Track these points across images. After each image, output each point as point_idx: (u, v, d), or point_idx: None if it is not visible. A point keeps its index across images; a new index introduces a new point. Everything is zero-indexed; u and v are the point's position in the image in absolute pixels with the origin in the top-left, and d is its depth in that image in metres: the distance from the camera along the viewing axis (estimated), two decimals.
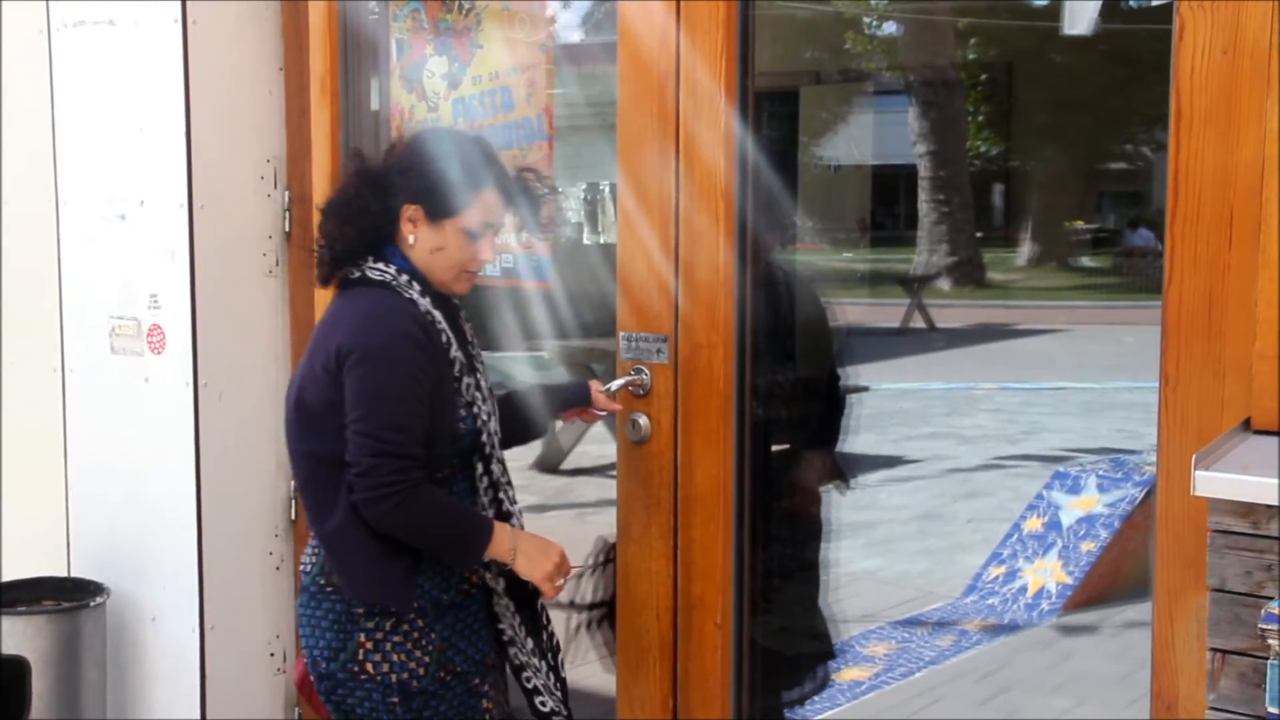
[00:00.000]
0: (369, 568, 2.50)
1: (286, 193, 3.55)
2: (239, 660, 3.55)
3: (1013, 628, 5.26)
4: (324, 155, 3.48)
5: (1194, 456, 2.00)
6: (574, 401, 2.90)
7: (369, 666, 2.51)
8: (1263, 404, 2.17)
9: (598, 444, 7.30)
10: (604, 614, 3.10)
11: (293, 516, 3.61)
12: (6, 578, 3.57)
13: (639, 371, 2.95)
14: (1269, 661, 1.81)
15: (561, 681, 2.72)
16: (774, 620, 3.50)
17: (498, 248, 3.08)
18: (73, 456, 3.67)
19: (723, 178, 2.85)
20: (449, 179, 2.55)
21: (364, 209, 2.57)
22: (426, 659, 2.52)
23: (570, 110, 3.54)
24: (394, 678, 2.51)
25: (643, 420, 2.96)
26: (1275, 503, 1.96)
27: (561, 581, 2.60)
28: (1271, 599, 1.86)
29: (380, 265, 2.55)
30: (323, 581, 2.56)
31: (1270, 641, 1.76)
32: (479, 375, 2.63)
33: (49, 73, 3.59)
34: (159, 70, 3.38)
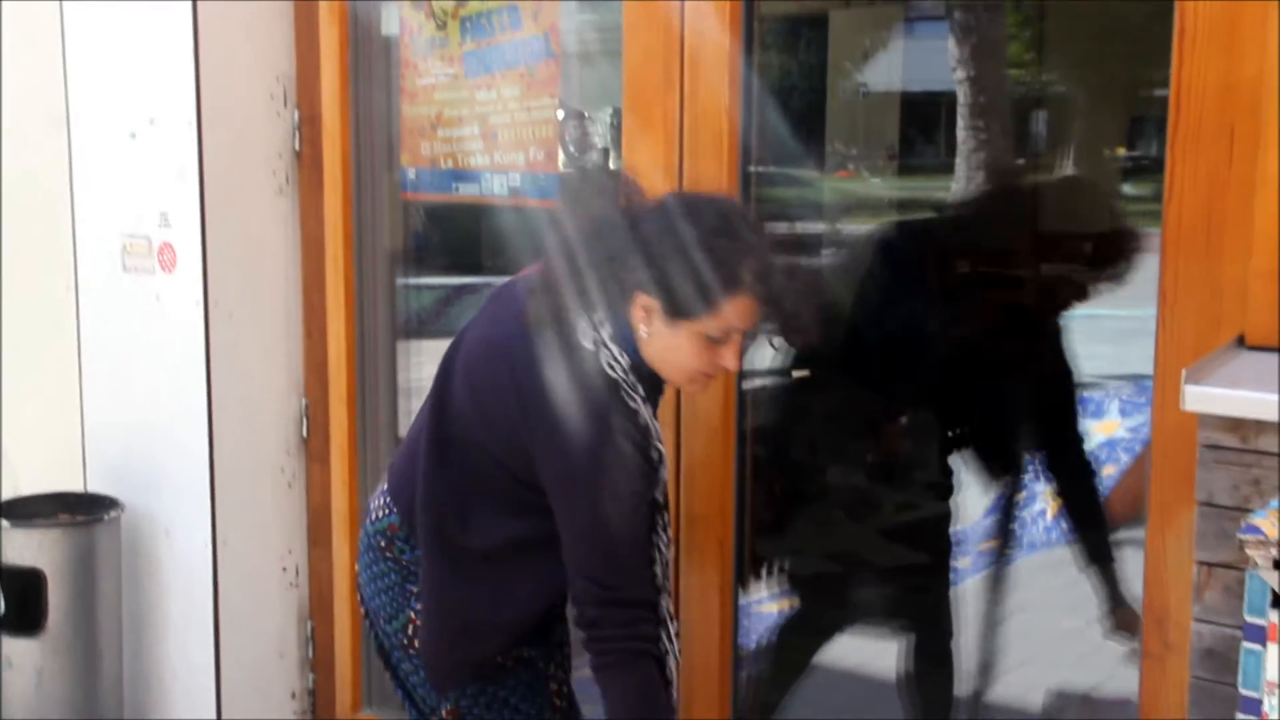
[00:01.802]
0: (445, 633, 2.32)
1: (296, 112, 3.55)
2: (251, 574, 3.60)
3: (1030, 549, 5.26)
4: (333, 76, 3.47)
5: (1184, 371, 2.00)
6: None
7: (418, 643, 2.35)
8: (1257, 320, 2.15)
9: None
10: None
11: (304, 434, 3.65)
12: (24, 492, 3.63)
13: None
14: (1248, 571, 1.81)
15: None
16: (790, 541, 3.54)
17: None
18: (87, 373, 3.71)
19: (726, 95, 2.84)
20: (699, 275, 2.10)
21: (585, 271, 2.19)
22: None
23: (595, 35, 3.52)
24: None
25: None
26: (1264, 417, 1.96)
27: None
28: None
29: (616, 351, 2.17)
30: (383, 544, 2.39)
31: (1249, 552, 1.76)
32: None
33: None
34: None
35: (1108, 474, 5.50)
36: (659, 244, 2.13)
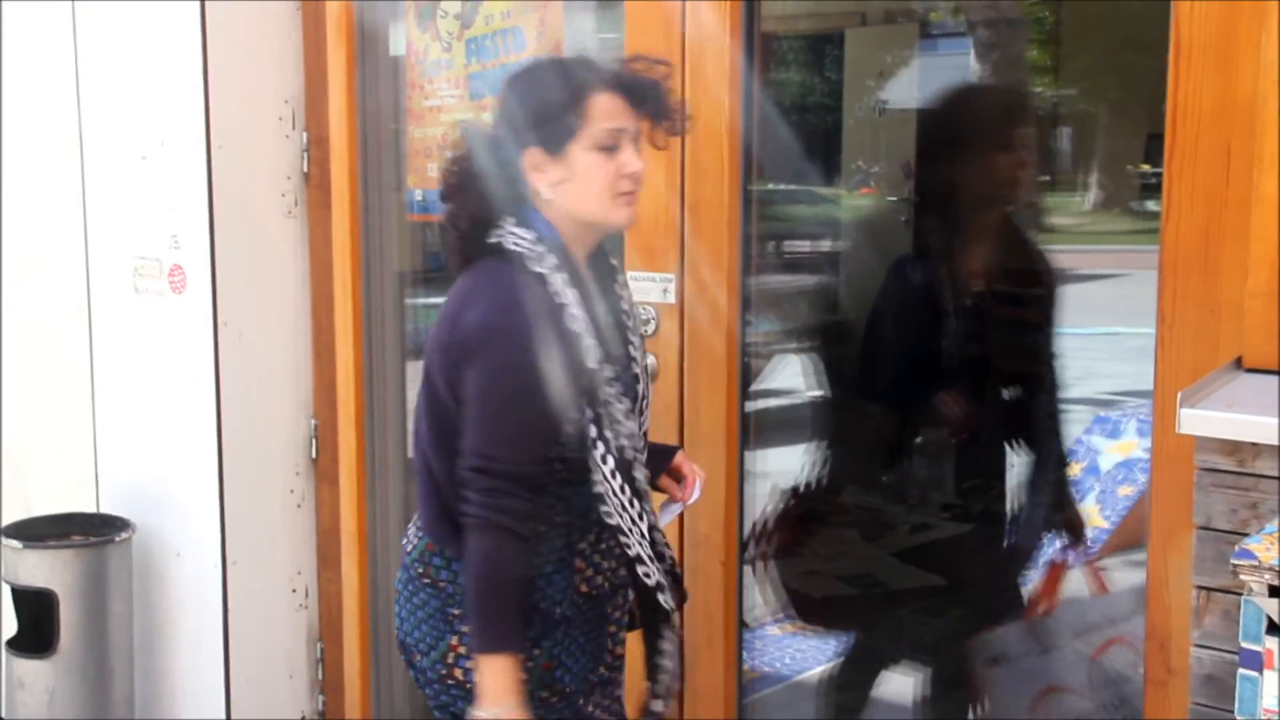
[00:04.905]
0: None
1: (305, 134, 3.56)
2: (261, 595, 3.61)
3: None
4: (340, 96, 3.48)
5: (1180, 394, 1.98)
6: (665, 465, 2.48)
7: (458, 672, 2.26)
8: (1253, 341, 2.14)
9: None
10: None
11: (314, 455, 3.66)
12: (36, 513, 3.65)
13: (644, 310, 2.95)
14: (1243, 597, 1.80)
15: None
16: (805, 563, 3.52)
17: None
18: (100, 395, 3.73)
19: (727, 116, 2.84)
20: (551, 100, 2.20)
21: (476, 173, 2.26)
22: (525, 677, 2.19)
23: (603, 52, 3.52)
24: None
25: (649, 360, 2.96)
26: (1260, 440, 1.94)
27: None
28: None
29: (519, 231, 2.22)
30: (420, 570, 2.30)
31: (1244, 577, 1.74)
32: (620, 365, 2.26)
33: (72, 13, 3.63)
34: (176, 9, 3.40)
35: (1125, 494, 5.47)
36: (505, 109, 2.26)
